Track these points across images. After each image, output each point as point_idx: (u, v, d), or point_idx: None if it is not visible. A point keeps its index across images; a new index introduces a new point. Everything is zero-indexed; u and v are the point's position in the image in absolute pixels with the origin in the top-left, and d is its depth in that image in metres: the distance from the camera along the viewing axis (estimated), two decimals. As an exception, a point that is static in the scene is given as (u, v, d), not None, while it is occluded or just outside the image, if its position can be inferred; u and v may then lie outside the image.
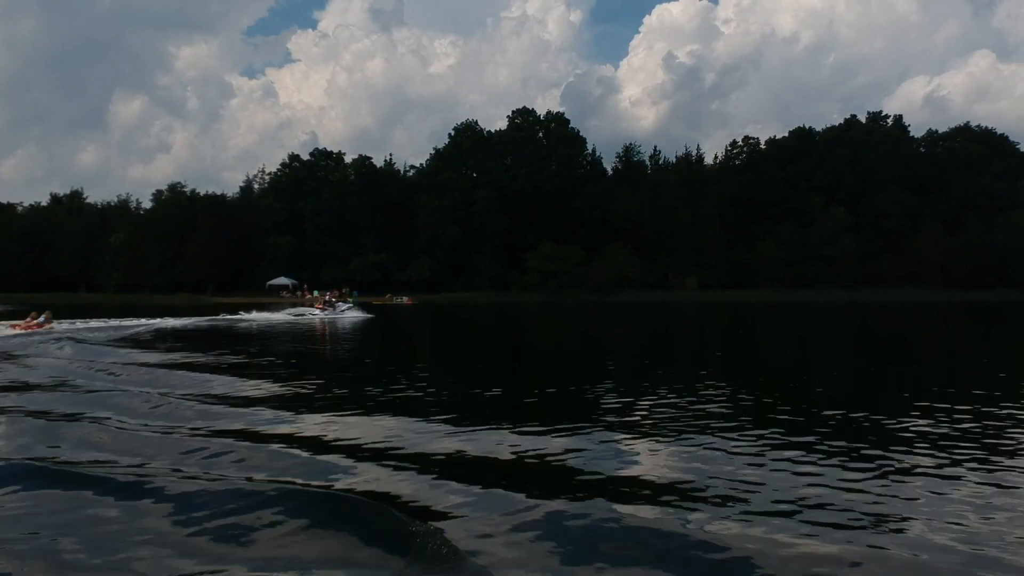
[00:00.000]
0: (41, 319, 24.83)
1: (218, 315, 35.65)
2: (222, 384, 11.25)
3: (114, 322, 29.45)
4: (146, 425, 7.88)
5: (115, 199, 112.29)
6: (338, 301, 40.61)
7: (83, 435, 7.18)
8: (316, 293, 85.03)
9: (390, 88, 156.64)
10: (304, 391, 10.89)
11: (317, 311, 37.84)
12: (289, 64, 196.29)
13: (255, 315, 34.87)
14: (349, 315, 37.18)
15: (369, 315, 37.67)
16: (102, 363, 14.03)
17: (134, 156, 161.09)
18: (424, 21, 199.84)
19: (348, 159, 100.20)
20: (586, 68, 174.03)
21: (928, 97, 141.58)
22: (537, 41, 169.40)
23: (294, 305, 63.54)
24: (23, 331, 23.19)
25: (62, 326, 25.65)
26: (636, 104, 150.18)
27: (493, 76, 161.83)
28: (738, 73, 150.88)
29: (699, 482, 5.74)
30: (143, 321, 30.57)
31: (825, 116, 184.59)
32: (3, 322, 25.35)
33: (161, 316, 34.61)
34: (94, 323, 28.24)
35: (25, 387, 10.96)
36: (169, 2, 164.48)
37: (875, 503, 5.23)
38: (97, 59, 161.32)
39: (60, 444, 6.89)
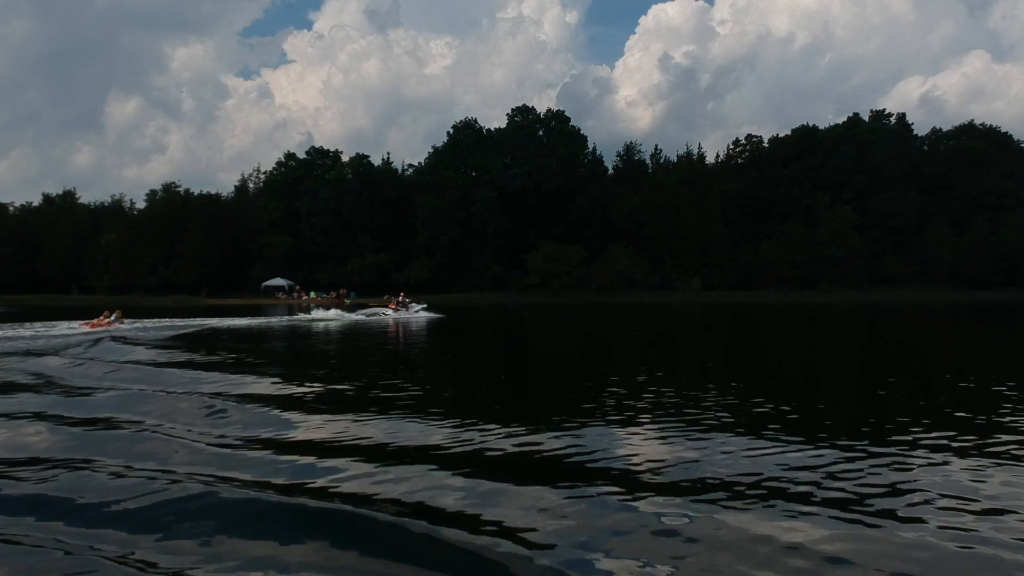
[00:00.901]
0: (112, 318, 27.07)
1: (295, 315, 37.26)
2: (273, 385, 11.21)
3: (178, 321, 31.35)
4: (204, 433, 7.60)
5: (108, 199, 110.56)
6: (411, 302, 42.07)
7: (128, 445, 6.90)
8: (313, 294, 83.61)
9: (386, 89, 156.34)
10: (362, 393, 10.81)
11: (391, 311, 39.26)
12: (284, 65, 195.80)
13: (334, 314, 36.62)
14: (421, 315, 38.32)
15: (440, 315, 38.61)
16: (153, 364, 14.11)
17: (129, 157, 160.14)
18: (420, 22, 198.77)
19: (345, 158, 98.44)
20: (582, 69, 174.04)
21: (923, 98, 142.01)
22: (533, 42, 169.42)
23: (290, 307, 62.01)
24: (93, 329, 24.83)
25: (134, 325, 27.55)
26: (632, 105, 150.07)
27: (489, 77, 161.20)
28: (733, 74, 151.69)
29: (708, 476, 5.87)
30: (203, 321, 31.97)
31: (820, 117, 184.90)
32: (76, 321, 27.72)
33: (227, 316, 36.21)
34: (152, 323, 29.99)
35: (62, 389, 10.68)
36: (164, 3, 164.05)
37: (879, 495, 5.35)
38: (92, 60, 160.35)
39: (100, 455, 6.52)
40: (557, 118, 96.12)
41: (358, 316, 36.59)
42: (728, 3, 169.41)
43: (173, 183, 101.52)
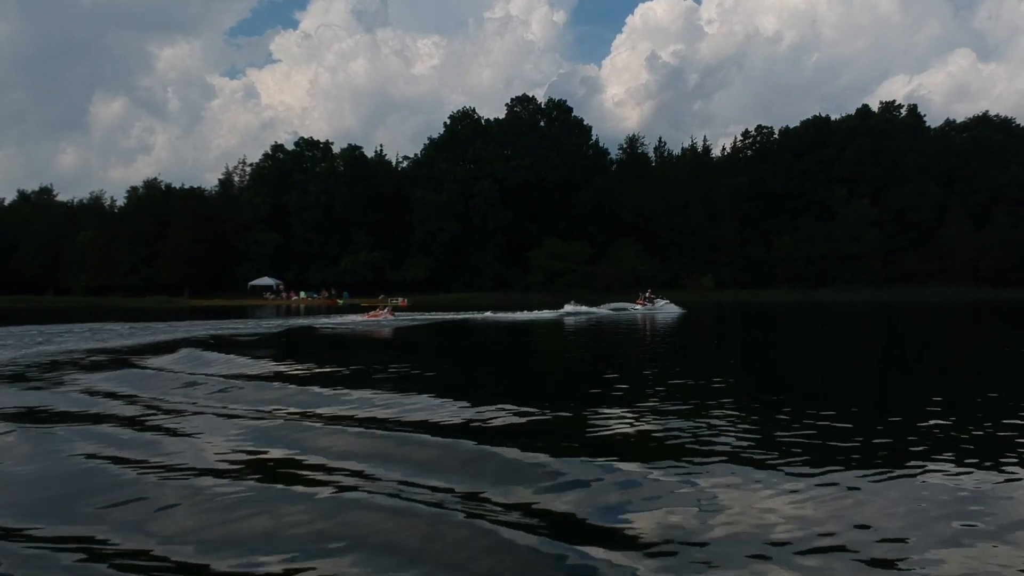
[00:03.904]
0: (385, 310, 32.82)
1: (542, 311, 38.75)
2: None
3: (436, 315, 35.44)
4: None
5: (88, 196, 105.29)
6: (657, 298, 44.72)
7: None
8: (303, 294, 78.90)
9: (373, 89, 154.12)
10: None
11: (639, 307, 42.17)
12: (270, 64, 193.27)
13: (585, 309, 39.62)
14: (667, 310, 40.92)
15: (683, 310, 40.60)
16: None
17: (114, 158, 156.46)
18: (407, 21, 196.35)
19: (336, 149, 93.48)
20: (569, 68, 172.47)
21: (909, 96, 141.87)
22: (520, 41, 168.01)
23: (279, 308, 57.24)
24: (372, 319, 30.63)
25: (401, 318, 32.42)
26: (620, 104, 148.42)
27: (477, 76, 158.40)
28: (721, 73, 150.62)
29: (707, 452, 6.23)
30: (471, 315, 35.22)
31: (807, 116, 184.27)
32: (356, 315, 33.85)
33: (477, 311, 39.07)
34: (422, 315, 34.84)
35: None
36: (150, 3, 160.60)
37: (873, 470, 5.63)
38: (77, 60, 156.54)
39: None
40: (559, 108, 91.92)
41: (606, 310, 40.30)
42: (715, 2, 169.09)
43: (155, 178, 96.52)
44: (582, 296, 75.05)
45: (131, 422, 7.79)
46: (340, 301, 68.82)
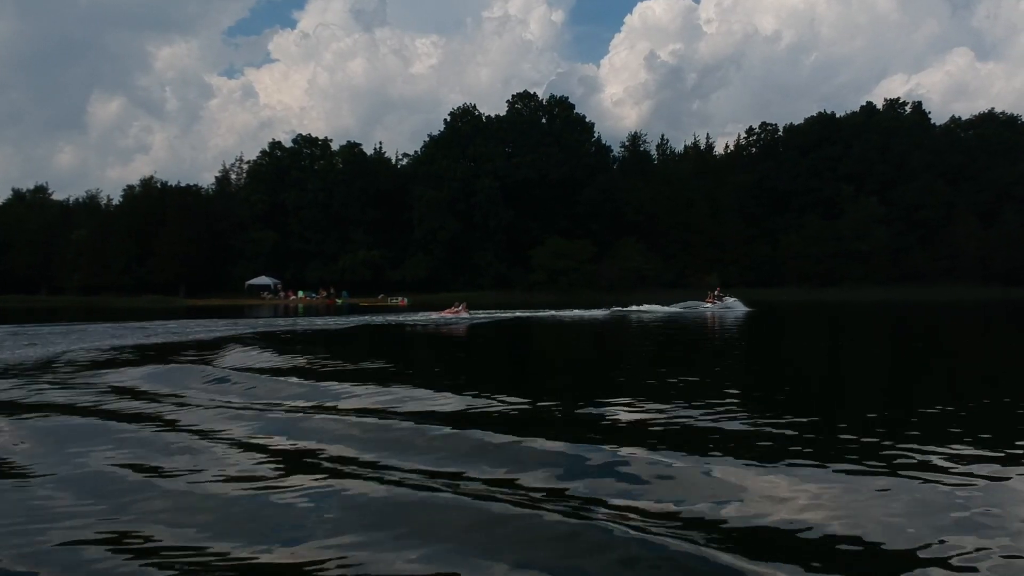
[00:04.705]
0: (459, 308, 33.58)
1: (611, 308, 40.26)
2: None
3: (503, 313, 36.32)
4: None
5: (83, 194, 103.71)
6: (726, 296, 44.71)
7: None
8: (301, 294, 77.49)
9: (371, 88, 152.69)
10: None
11: (708, 304, 42.28)
12: (268, 64, 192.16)
13: (652, 307, 40.44)
14: (735, 308, 41.16)
15: (750, 308, 40.84)
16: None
17: (112, 157, 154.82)
18: (406, 21, 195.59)
19: (334, 147, 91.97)
20: (567, 67, 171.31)
21: (907, 95, 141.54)
22: (519, 41, 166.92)
23: (277, 307, 55.82)
24: (447, 315, 31.65)
25: (478, 315, 33.61)
26: (618, 104, 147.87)
27: (475, 76, 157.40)
28: (719, 72, 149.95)
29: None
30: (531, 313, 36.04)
31: (805, 115, 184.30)
32: (432, 312, 34.01)
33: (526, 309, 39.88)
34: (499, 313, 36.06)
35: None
36: (148, 2, 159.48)
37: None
38: (75, 59, 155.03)
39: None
40: (560, 105, 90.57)
41: (678, 308, 40.33)
42: (714, 2, 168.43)
43: (151, 177, 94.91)
44: (583, 296, 73.96)
45: (174, 420, 7.73)
46: (339, 301, 67.47)
